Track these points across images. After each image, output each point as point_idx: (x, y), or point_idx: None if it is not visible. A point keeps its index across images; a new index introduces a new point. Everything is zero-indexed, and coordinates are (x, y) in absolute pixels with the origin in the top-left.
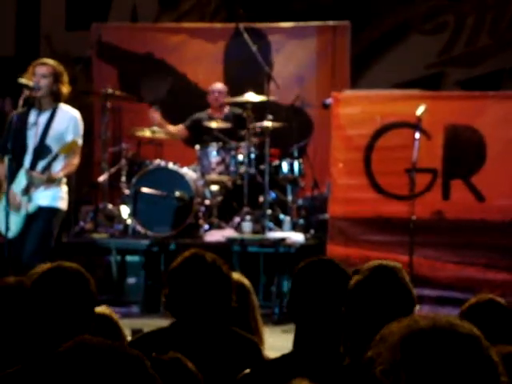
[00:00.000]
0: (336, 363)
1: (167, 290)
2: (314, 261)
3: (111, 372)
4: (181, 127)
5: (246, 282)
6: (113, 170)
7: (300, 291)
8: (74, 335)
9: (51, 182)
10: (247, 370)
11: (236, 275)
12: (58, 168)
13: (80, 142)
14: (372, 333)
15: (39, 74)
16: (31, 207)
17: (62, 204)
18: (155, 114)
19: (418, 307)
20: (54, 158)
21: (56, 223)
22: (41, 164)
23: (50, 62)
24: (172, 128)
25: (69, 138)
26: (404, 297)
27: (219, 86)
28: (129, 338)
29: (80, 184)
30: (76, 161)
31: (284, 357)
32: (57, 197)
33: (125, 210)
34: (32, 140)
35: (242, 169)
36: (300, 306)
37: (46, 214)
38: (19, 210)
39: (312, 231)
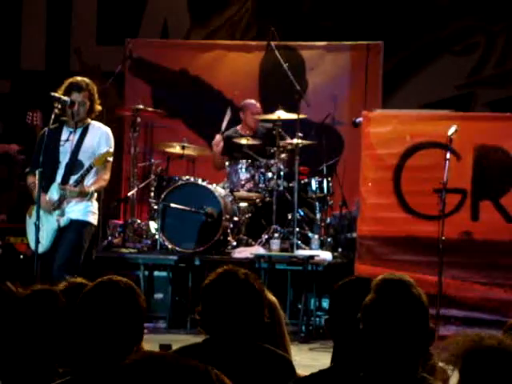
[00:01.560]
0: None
1: (200, 306)
2: (353, 279)
3: None
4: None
5: (272, 297)
6: (142, 185)
7: (339, 309)
8: (123, 350)
9: (83, 195)
10: None
11: None
12: (90, 182)
13: (112, 152)
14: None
15: (77, 102)
16: (63, 221)
17: (93, 219)
18: (220, 142)
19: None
20: (88, 171)
21: (87, 237)
22: (73, 178)
23: (84, 84)
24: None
25: (101, 152)
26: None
27: (253, 103)
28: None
29: (109, 199)
30: (107, 176)
31: (322, 372)
32: (88, 211)
33: (153, 226)
34: (64, 156)
35: (271, 186)
36: (339, 323)
37: (77, 226)
38: (51, 213)
39: (340, 250)
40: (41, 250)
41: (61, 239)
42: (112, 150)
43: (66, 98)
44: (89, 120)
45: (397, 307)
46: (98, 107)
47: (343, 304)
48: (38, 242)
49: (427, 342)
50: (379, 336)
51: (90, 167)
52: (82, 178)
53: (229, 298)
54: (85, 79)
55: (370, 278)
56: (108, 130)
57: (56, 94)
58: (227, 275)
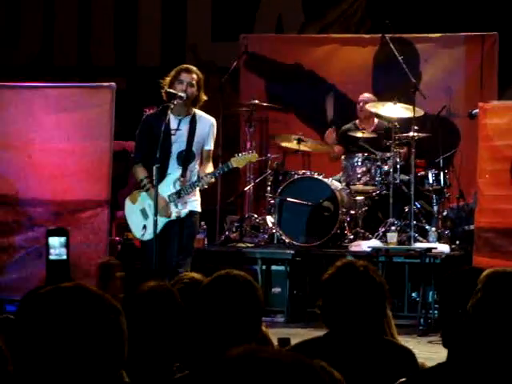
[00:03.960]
0: (489, 373)
1: (321, 300)
2: (464, 269)
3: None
4: (338, 148)
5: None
6: (258, 180)
7: (448, 298)
8: (241, 343)
9: (206, 186)
10: (403, 379)
11: None
12: (197, 170)
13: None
14: None
15: (186, 82)
16: (183, 213)
17: (200, 207)
18: (332, 135)
19: None
20: (223, 172)
21: (198, 226)
22: (189, 169)
23: (195, 68)
24: (336, 148)
25: (208, 144)
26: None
27: (368, 96)
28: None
29: (226, 194)
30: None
31: (440, 366)
32: (198, 201)
33: (270, 220)
34: (175, 146)
35: (388, 179)
36: (447, 313)
37: (193, 218)
38: (166, 214)
39: (457, 242)
40: (147, 237)
41: (180, 232)
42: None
43: (181, 93)
44: (193, 109)
45: (504, 302)
46: (204, 97)
47: (452, 294)
48: (156, 237)
49: None
50: (487, 330)
51: (227, 167)
52: (219, 174)
53: (350, 290)
54: (193, 66)
55: (479, 269)
56: (214, 120)
57: (172, 90)
58: (347, 268)
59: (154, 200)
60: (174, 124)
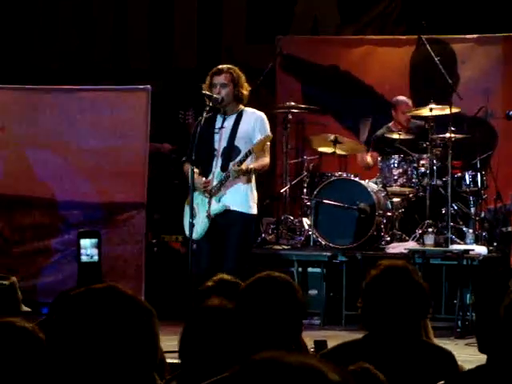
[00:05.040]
0: None
1: (362, 303)
2: (496, 271)
3: None
4: (373, 154)
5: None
6: (294, 181)
7: (482, 300)
8: (282, 345)
9: (246, 173)
10: (442, 382)
11: None
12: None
13: (271, 136)
14: None
15: (218, 84)
16: (218, 207)
17: (256, 209)
18: (364, 158)
19: None
20: (246, 157)
21: (251, 230)
22: (231, 164)
23: (225, 67)
24: (369, 158)
25: (257, 137)
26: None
27: (403, 99)
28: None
29: (262, 196)
30: (267, 159)
31: (479, 368)
32: (251, 202)
33: (306, 222)
34: (219, 143)
35: (424, 181)
36: (483, 315)
37: (244, 221)
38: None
39: (495, 244)
40: (195, 236)
41: (228, 234)
42: (270, 134)
43: (216, 95)
44: (241, 106)
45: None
46: (245, 92)
47: (487, 296)
48: (194, 239)
49: None
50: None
51: (249, 152)
52: (241, 163)
53: (393, 293)
54: (228, 65)
55: None
56: (263, 114)
57: (207, 92)
58: (389, 270)
59: (189, 204)
60: (218, 123)
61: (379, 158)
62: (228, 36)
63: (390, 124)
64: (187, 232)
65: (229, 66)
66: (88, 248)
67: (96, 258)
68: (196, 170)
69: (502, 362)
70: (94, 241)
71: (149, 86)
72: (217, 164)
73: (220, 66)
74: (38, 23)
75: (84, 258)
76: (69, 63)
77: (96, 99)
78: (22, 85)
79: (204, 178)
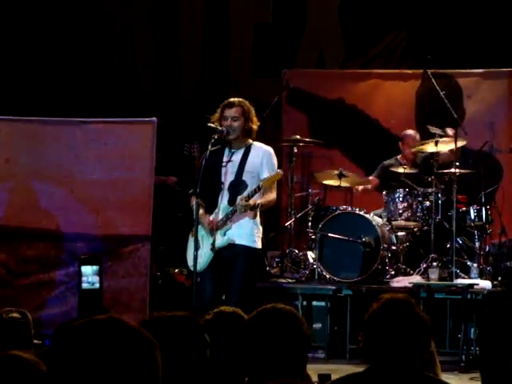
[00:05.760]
0: None
1: (362, 336)
2: (501, 306)
3: None
4: (373, 179)
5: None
6: (299, 215)
7: (486, 337)
8: (288, 377)
9: (253, 208)
10: None
11: None
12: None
13: (282, 174)
14: None
15: (230, 117)
16: (222, 241)
17: (260, 244)
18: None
19: None
20: (255, 192)
21: (256, 264)
22: (239, 198)
23: (236, 101)
24: (369, 186)
25: (264, 173)
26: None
27: (411, 133)
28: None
29: (267, 229)
30: (274, 195)
31: None
32: (256, 237)
33: (311, 255)
34: (226, 177)
35: (429, 215)
36: (487, 351)
37: (248, 254)
38: (211, 234)
39: (499, 278)
40: (198, 268)
41: (233, 267)
42: (281, 172)
43: (222, 128)
44: (250, 140)
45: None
46: (254, 127)
47: (491, 330)
48: (198, 271)
49: None
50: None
51: (259, 188)
52: (249, 198)
53: (394, 327)
54: (239, 99)
55: None
56: (270, 149)
57: (212, 125)
58: (391, 304)
59: (194, 237)
60: (226, 156)
61: (384, 192)
62: (234, 69)
63: (399, 156)
64: (190, 263)
65: (240, 99)
66: (89, 275)
67: (97, 285)
68: (201, 210)
69: None
70: (96, 268)
71: (154, 118)
72: (223, 197)
73: (232, 99)
74: (41, 56)
75: (85, 285)
76: (75, 95)
77: (102, 131)
78: (27, 116)
79: (209, 216)
